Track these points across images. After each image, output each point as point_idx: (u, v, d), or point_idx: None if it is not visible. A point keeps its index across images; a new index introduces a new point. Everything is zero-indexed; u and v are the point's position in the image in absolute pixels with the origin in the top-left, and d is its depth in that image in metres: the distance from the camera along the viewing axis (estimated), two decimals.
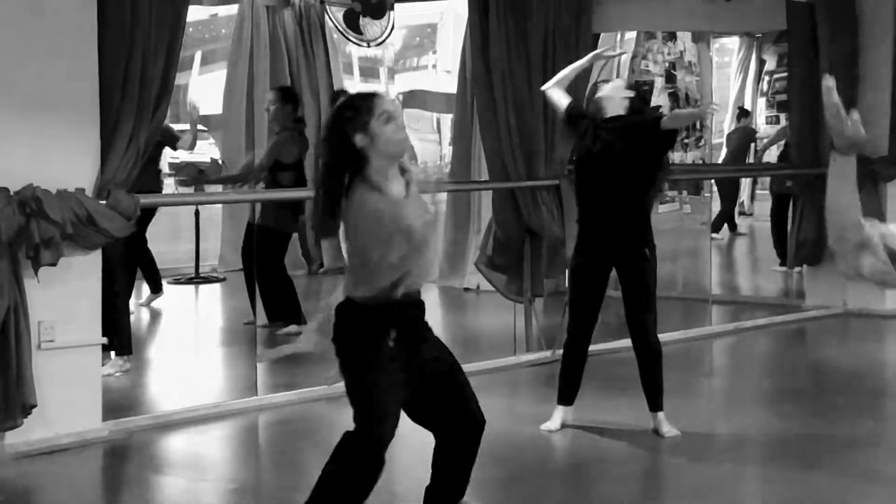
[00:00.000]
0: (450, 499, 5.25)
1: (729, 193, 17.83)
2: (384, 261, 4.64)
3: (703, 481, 6.30)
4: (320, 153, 4.87)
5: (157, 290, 11.49)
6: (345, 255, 4.93)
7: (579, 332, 7.16)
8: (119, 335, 8.24)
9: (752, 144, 18.26)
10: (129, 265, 9.07)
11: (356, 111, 4.73)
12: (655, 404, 7.08)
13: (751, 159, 18.05)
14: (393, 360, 4.76)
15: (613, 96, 7.12)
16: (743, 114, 18.72)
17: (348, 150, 4.72)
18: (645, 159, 6.97)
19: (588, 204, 7.09)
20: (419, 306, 4.90)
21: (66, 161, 6.66)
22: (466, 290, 12.78)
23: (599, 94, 7.29)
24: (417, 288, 4.83)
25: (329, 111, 4.93)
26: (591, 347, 7.29)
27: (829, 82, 3.91)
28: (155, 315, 11.51)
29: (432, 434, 5.06)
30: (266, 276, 9.82)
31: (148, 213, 10.58)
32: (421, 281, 4.83)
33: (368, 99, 4.80)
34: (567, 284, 7.48)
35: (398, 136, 4.74)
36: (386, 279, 4.66)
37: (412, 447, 5.45)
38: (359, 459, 4.74)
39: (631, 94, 7.19)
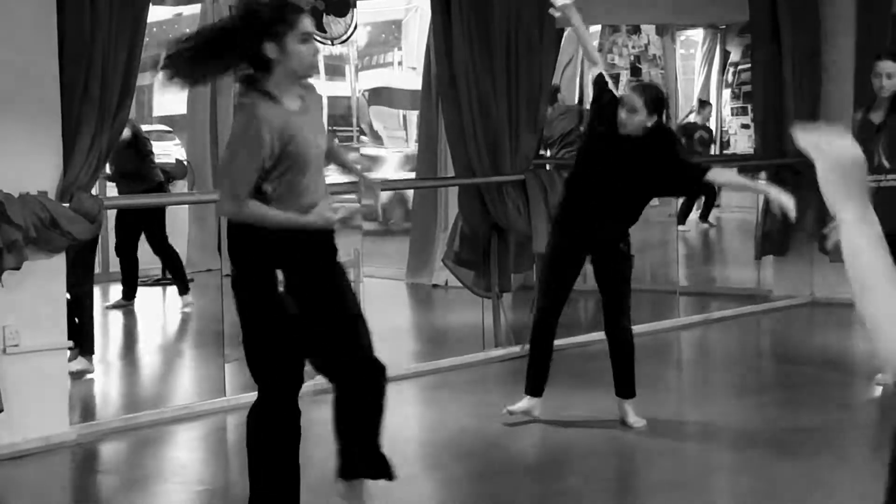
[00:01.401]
0: (360, 468, 5.18)
1: None
2: (254, 169, 4.63)
3: (673, 472, 6.33)
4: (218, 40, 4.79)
5: (130, 297, 11.50)
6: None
7: (547, 317, 7.14)
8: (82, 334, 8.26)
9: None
10: (88, 262, 8.96)
11: (277, 20, 4.70)
12: (625, 392, 7.10)
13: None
14: (284, 306, 4.74)
15: (634, 121, 6.80)
16: (702, 105, 18.77)
17: (254, 55, 4.70)
18: (654, 186, 6.97)
19: (579, 192, 6.99)
20: (321, 236, 4.84)
21: (28, 164, 6.63)
22: (435, 286, 12.78)
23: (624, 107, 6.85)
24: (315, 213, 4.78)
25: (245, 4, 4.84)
26: (561, 341, 7.31)
27: None
28: (122, 317, 11.48)
29: (331, 384, 5.06)
30: None
31: (150, 217, 10.74)
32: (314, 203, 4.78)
33: (292, 12, 4.76)
34: (541, 266, 7.43)
35: (311, 58, 4.75)
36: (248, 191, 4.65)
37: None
38: (273, 422, 4.81)
39: (653, 120, 6.84)
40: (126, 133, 10.36)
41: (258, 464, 4.88)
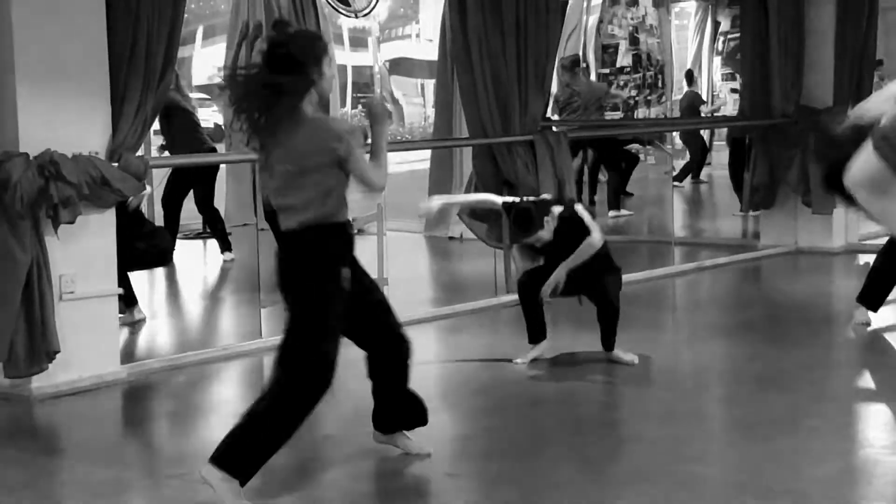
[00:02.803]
0: (399, 421, 5.33)
1: (694, 147, 17.84)
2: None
3: (669, 404, 6.35)
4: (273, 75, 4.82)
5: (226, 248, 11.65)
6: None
7: (528, 284, 7.18)
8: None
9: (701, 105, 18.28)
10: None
11: (321, 49, 4.78)
12: (609, 345, 7.13)
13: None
14: (343, 291, 4.81)
15: (544, 238, 7.05)
16: (688, 77, 18.71)
17: (306, 79, 4.75)
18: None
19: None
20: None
21: (80, 128, 6.65)
22: (451, 238, 12.80)
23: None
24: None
25: (289, 37, 4.89)
26: None
27: None
28: (167, 268, 11.52)
29: (365, 352, 5.19)
30: None
31: (200, 180, 10.84)
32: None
33: (321, 40, 4.87)
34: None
35: (332, 78, 4.83)
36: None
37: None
38: (312, 375, 4.76)
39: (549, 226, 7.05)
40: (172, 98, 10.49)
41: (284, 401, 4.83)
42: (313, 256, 4.81)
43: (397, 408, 5.31)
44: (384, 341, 5.18)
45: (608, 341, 7.12)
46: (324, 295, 4.78)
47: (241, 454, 4.70)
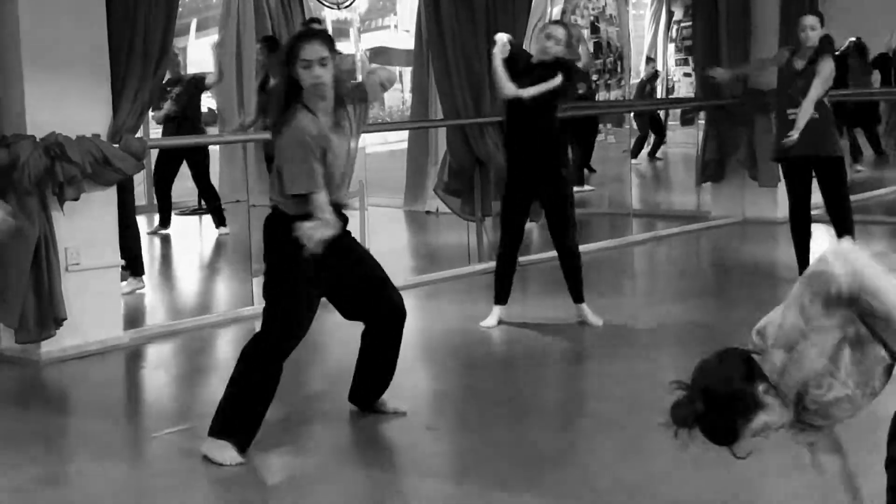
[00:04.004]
0: (375, 390, 5.30)
1: (644, 125, 17.89)
2: (305, 171, 4.61)
3: (627, 364, 6.37)
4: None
5: (166, 225, 11.59)
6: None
7: (509, 245, 7.21)
8: (133, 260, 8.27)
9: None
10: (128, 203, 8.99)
11: (288, 52, 4.73)
12: (579, 296, 7.16)
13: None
14: (312, 276, 4.73)
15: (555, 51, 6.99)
16: (647, 62, 18.75)
17: (290, 79, 4.71)
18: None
19: (516, 139, 7.18)
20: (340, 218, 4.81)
21: (83, 111, 6.62)
22: (427, 212, 12.80)
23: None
24: (340, 202, 4.81)
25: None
26: (526, 258, 7.32)
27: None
28: (165, 241, 11.50)
29: (363, 322, 5.14)
30: None
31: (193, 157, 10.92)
32: (339, 194, 4.78)
33: (296, 42, 4.73)
34: (500, 206, 7.52)
35: (312, 80, 4.64)
36: (308, 188, 4.61)
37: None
38: (263, 363, 4.81)
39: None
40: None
41: (239, 391, 4.84)
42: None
43: (377, 381, 5.29)
44: (378, 312, 5.11)
45: (577, 291, 7.15)
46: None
47: (228, 416, 4.78)
